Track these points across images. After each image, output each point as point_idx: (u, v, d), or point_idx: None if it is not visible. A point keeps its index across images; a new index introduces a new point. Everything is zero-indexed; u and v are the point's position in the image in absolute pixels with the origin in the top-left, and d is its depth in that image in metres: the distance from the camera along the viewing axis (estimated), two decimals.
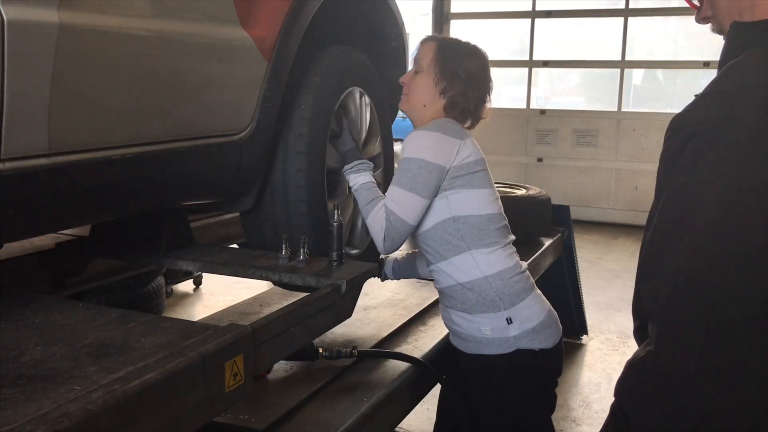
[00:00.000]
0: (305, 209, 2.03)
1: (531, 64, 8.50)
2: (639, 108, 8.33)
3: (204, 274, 5.03)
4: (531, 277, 2.00)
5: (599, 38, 8.45)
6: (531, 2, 8.37)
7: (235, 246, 2.78)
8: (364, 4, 2.46)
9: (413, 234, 1.94)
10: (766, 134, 1.07)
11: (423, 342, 2.23)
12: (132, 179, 1.55)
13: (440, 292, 2.02)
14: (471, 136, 1.96)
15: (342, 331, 2.26)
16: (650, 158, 7.34)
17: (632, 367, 1.22)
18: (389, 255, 2.18)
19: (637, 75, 8.55)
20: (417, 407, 2.15)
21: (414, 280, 2.68)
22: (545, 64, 8.51)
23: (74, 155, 1.36)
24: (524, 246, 2.12)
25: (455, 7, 8.90)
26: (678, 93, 8.28)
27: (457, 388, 2.12)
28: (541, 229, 3.62)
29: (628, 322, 2.19)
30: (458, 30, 8.77)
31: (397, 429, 2.64)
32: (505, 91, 8.70)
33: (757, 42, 1.16)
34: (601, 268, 6.10)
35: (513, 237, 2.01)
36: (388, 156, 2.55)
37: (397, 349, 2.15)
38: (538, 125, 8.37)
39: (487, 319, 1.90)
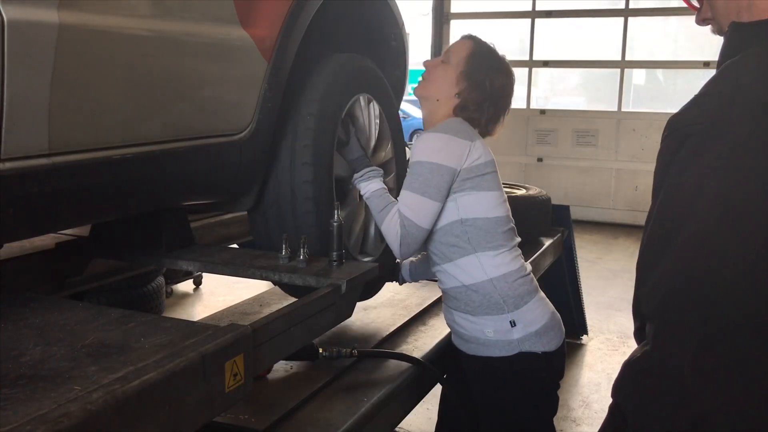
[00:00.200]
0: (313, 221, 1.99)
1: (531, 64, 8.50)
2: (639, 108, 8.34)
3: (204, 274, 5.03)
4: (535, 280, 2.00)
5: (599, 38, 8.46)
6: (531, 2, 8.38)
7: (235, 246, 2.79)
8: (364, 4, 2.45)
9: None
10: (762, 134, 1.07)
11: (423, 342, 2.23)
12: (132, 179, 1.55)
13: (444, 292, 2.01)
14: (480, 137, 1.95)
15: (342, 331, 2.25)
16: (650, 158, 7.19)
17: (629, 368, 1.22)
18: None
19: (637, 75, 8.56)
20: (417, 407, 2.15)
21: None
22: (545, 64, 8.52)
23: (74, 155, 1.36)
24: (524, 246, 2.12)
25: (455, 7, 8.90)
26: (678, 93, 8.29)
27: (457, 388, 2.11)
28: (541, 229, 3.62)
29: (628, 322, 2.19)
30: (458, 30, 8.77)
31: (397, 429, 2.64)
32: None
33: (754, 42, 1.16)
34: (601, 268, 6.10)
35: (519, 239, 2.00)
36: (400, 160, 2.51)
37: (397, 349, 2.15)
38: (538, 125, 8.37)
39: (490, 322, 1.89)
